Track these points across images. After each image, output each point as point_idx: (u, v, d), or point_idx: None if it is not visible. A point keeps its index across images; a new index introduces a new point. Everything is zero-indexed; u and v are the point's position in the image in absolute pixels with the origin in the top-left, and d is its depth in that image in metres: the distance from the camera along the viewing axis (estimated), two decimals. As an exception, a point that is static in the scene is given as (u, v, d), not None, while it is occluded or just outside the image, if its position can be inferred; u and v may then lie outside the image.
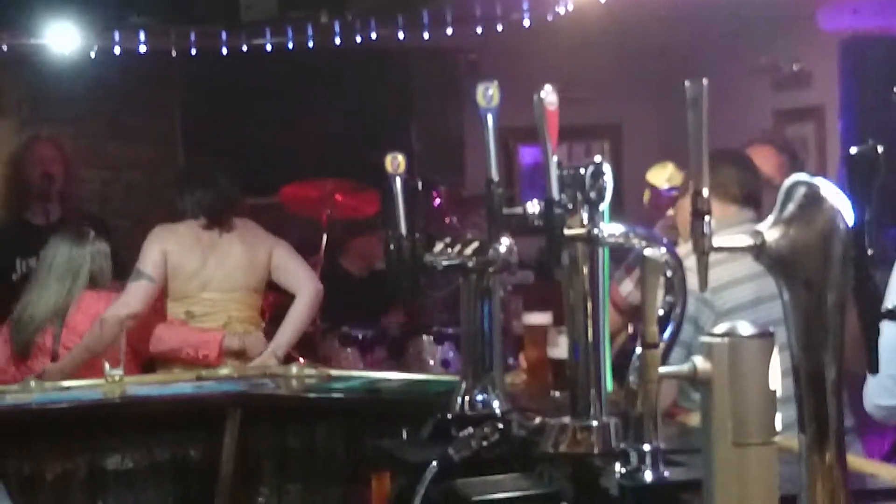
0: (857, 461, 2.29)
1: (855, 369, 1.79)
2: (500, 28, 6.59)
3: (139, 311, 4.65)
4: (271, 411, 3.81)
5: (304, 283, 4.98)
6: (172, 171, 8.10)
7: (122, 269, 5.65)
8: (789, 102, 7.61)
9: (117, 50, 6.60)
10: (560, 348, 3.01)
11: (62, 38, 6.45)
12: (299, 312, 4.94)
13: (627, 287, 3.98)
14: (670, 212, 4.86)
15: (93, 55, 6.60)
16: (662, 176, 6.21)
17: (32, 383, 3.96)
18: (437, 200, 6.51)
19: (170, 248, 4.84)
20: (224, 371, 4.20)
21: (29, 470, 3.61)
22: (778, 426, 1.71)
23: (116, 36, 6.51)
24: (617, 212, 2.29)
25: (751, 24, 7.41)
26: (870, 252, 1.49)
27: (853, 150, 1.50)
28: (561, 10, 6.08)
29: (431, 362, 6.12)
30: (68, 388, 3.98)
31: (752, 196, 3.63)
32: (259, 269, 4.95)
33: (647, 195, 5.39)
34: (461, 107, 8.23)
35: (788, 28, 7.30)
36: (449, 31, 6.46)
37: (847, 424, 3.17)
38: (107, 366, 3.90)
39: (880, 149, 1.45)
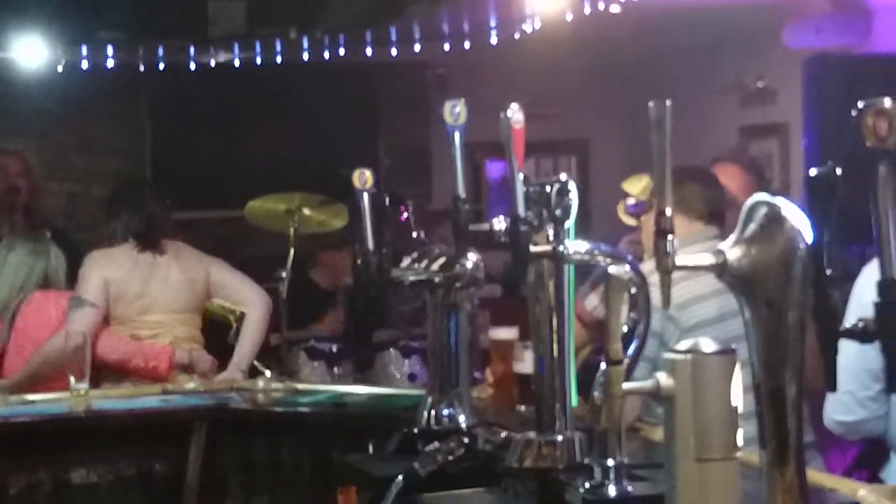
0: (818, 476, 2.31)
1: (816, 385, 1.82)
2: (467, 45, 6.62)
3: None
4: (237, 425, 3.80)
5: (251, 297, 4.99)
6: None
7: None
8: (755, 119, 7.69)
9: (85, 64, 6.59)
10: (526, 363, 3.03)
11: (30, 52, 6.44)
12: (254, 325, 4.94)
13: (593, 301, 4.00)
14: (631, 221, 4.90)
15: (60, 69, 6.59)
16: (638, 186, 6.24)
17: (-3, 397, 3.95)
18: (405, 215, 6.52)
19: (110, 274, 4.82)
20: (190, 385, 4.20)
21: (-8, 484, 3.59)
22: (740, 442, 1.73)
23: (84, 50, 6.51)
24: (584, 226, 2.31)
25: (717, 42, 7.48)
26: (828, 272, 1.52)
27: (812, 171, 1.53)
28: (528, 28, 6.12)
29: (398, 376, 6.13)
30: (33, 402, 3.96)
31: (717, 213, 3.67)
32: (198, 289, 4.95)
33: (621, 206, 5.41)
34: (428, 121, 8.27)
35: (754, 46, 7.37)
36: (417, 47, 6.49)
37: (808, 440, 3.22)
38: (72, 379, 3.89)
39: (839, 171, 1.48)
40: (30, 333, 4.74)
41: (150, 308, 4.86)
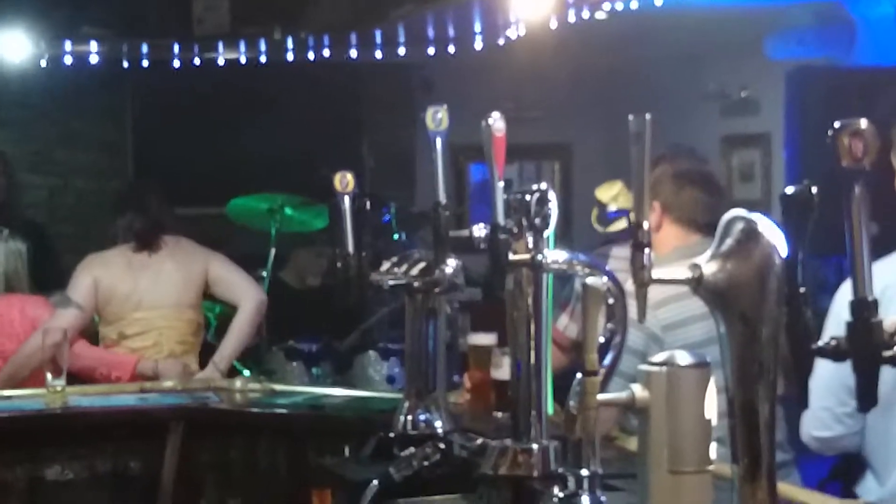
0: (790, 489, 2.33)
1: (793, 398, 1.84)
2: (452, 50, 6.64)
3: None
4: (214, 425, 3.80)
5: (245, 294, 4.95)
6: (122, 179, 8.10)
7: (62, 276, 5.62)
8: (737, 129, 7.72)
9: (69, 59, 6.58)
10: (503, 369, 3.04)
11: (13, 47, 6.43)
12: (242, 324, 4.91)
13: (563, 321, 3.84)
14: (605, 228, 4.85)
15: (44, 64, 6.58)
16: (610, 193, 6.25)
17: (-27, 393, 3.93)
18: (387, 217, 6.53)
19: (100, 274, 4.82)
20: (167, 384, 4.19)
21: (-32, 480, 3.58)
22: (713, 455, 1.74)
23: (68, 45, 6.50)
24: (566, 230, 2.33)
25: (700, 51, 7.51)
26: (802, 289, 1.53)
27: (788, 189, 1.54)
28: (512, 34, 6.14)
29: (377, 378, 6.12)
30: (9, 398, 3.95)
31: (716, 224, 3.52)
32: (194, 284, 4.92)
33: (594, 213, 5.43)
34: (413, 122, 8.27)
35: (737, 56, 7.40)
36: (402, 51, 6.50)
37: (787, 457, 3.23)
38: (49, 376, 3.88)
39: (814, 189, 1.49)
40: None
41: (138, 306, 4.84)
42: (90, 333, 4.98)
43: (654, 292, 1.68)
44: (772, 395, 1.66)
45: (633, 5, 5.47)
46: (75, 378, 4.61)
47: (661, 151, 3.38)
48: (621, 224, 5.29)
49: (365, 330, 6.07)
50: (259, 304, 4.95)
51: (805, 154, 6.03)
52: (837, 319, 2.83)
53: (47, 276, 5.23)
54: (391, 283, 2.76)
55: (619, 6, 5.51)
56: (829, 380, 2.82)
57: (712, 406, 1.73)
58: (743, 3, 6.35)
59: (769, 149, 7.48)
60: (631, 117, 1.61)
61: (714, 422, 1.74)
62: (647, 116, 1.60)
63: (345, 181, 2.81)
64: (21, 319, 4.75)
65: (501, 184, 2.21)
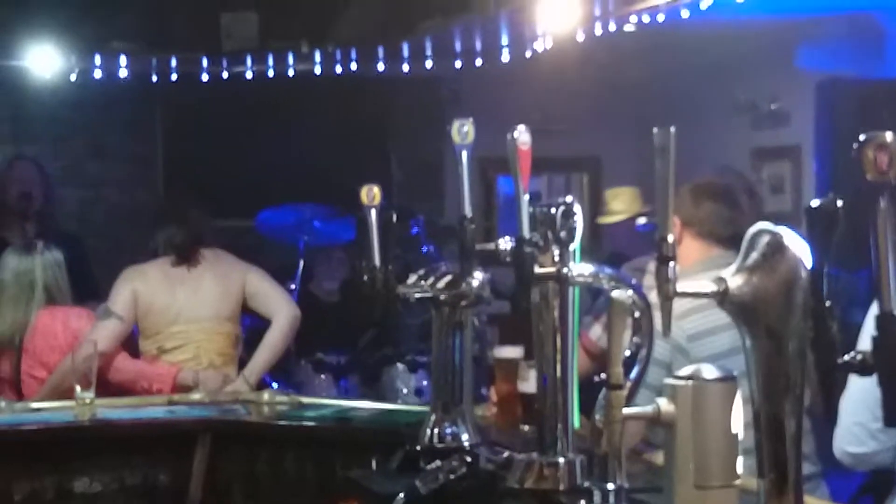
0: (818, 504, 2.31)
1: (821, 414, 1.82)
2: (479, 62, 6.64)
3: (106, 349, 4.54)
4: (242, 437, 3.80)
5: (280, 308, 4.95)
6: (152, 192, 8.15)
7: (96, 286, 5.66)
8: (767, 141, 7.68)
9: (98, 73, 6.64)
10: (530, 382, 3.03)
11: (44, 61, 6.49)
12: (275, 338, 4.91)
13: (597, 332, 3.90)
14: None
15: (73, 78, 6.64)
16: (615, 191, 6.24)
17: (3, 404, 3.95)
18: (415, 229, 6.54)
19: (140, 287, 4.83)
20: (195, 396, 4.20)
21: (-4, 490, 3.60)
22: (739, 469, 1.73)
23: (97, 59, 6.55)
24: (595, 243, 2.33)
25: (730, 63, 7.48)
26: (827, 304, 1.52)
27: (813, 202, 1.53)
28: (539, 47, 6.13)
29: (405, 390, 6.13)
30: (38, 410, 3.97)
31: (738, 236, 3.51)
32: (232, 297, 4.93)
33: (605, 219, 5.42)
34: (442, 136, 8.25)
35: (767, 67, 7.37)
36: (429, 64, 6.51)
37: (814, 470, 3.20)
38: (77, 388, 3.89)
39: (839, 202, 1.48)
40: (38, 356, 4.73)
41: (177, 319, 4.85)
42: (132, 346, 4.99)
43: (677, 304, 1.67)
44: (798, 409, 1.65)
45: (660, 18, 5.46)
46: (117, 392, 4.63)
47: (706, 174, 3.42)
48: (609, 220, 5.29)
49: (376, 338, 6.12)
50: (293, 319, 4.95)
51: (835, 166, 6.00)
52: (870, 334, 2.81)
53: (82, 288, 5.25)
54: (417, 295, 2.77)
55: (646, 19, 5.49)
56: (861, 395, 2.78)
57: (739, 420, 1.72)
58: (773, 14, 6.32)
59: (799, 161, 7.43)
60: (655, 130, 1.60)
61: (741, 435, 1.73)
62: (672, 129, 1.60)
63: (371, 194, 2.81)
64: (64, 332, 4.77)
65: (526, 197, 2.21)
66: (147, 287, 4.84)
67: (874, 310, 2.86)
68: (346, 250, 6.67)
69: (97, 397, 3.88)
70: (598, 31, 5.64)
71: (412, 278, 2.79)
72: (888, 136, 1.41)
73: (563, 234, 2.22)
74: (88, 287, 5.43)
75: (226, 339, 4.93)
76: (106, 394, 4.37)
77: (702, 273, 2.91)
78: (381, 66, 6.68)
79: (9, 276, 4.82)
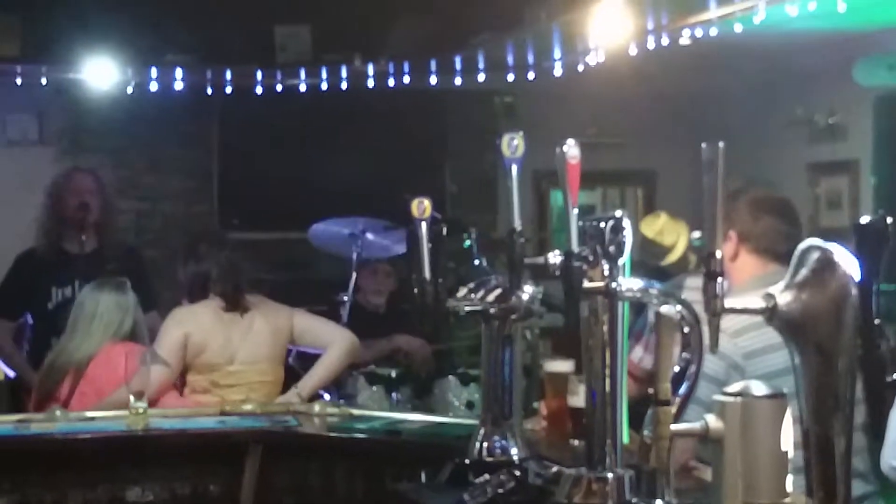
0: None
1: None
2: (531, 76, 6.63)
3: (151, 397, 4.45)
4: (292, 449, 3.81)
5: (335, 337, 4.97)
6: (208, 204, 8.23)
7: (154, 299, 5.71)
8: (824, 155, 7.61)
9: (154, 86, 6.71)
10: (580, 397, 3.02)
11: (101, 73, 6.57)
12: (333, 360, 4.90)
13: (638, 353, 3.83)
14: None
15: (130, 90, 6.72)
16: (654, 228, 6.20)
17: (58, 412, 3.99)
18: (467, 242, 6.53)
19: (191, 329, 4.83)
20: (247, 407, 4.22)
21: (51, 499, 3.62)
22: (789, 487, 1.71)
23: (153, 72, 6.63)
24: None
25: (787, 76, 7.42)
26: (877, 321, 1.50)
27: (863, 219, 1.51)
28: (592, 61, 6.11)
29: (457, 403, 6.12)
30: (92, 419, 4.00)
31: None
32: (281, 339, 4.95)
33: (669, 259, 5.39)
34: (495, 148, 8.26)
35: (825, 81, 7.30)
36: (481, 77, 6.52)
37: (871, 489, 3.15)
38: (131, 398, 3.93)
39: (889, 220, 1.47)
40: (97, 383, 4.74)
41: (233, 359, 4.86)
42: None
43: (733, 321, 1.66)
44: (848, 428, 1.63)
45: (713, 32, 5.42)
46: None
47: (737, 184, 3.33)
48: (675, 256, 5.25)
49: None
50: (351, 344, 4.94)
51: (893, 181, 5.94)
52: None
53: (140, 299, 5.27)
54: (467, 308, 2.76)
55: (699, 33, 5.46)
56: None
57: (789, 438, 1.71)
58: (831, 27, 6.26)
59: (857, 176, 7.36)
60: (703, 145, 1.59)
61: (791, 454, 1.71)
62: (720, 145, 1.59)
63: (422, 207, 2.81)
64: (127, 367, 4.79)
65: (575, 211, 2.20)
66: (199, 329, 4.83)
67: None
68: (393, 263, 6.68)
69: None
70: (651, 44, 5.62)
71: (462, 291, 2.79)
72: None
73: (611, 248, 2.21)
74: (146, 299, 5.47)
75: (275, 383, 4.95)
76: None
77: (758, 289, 2.86)
78: (434, 80, 6.70)
79: (104, 311, 4.84)
